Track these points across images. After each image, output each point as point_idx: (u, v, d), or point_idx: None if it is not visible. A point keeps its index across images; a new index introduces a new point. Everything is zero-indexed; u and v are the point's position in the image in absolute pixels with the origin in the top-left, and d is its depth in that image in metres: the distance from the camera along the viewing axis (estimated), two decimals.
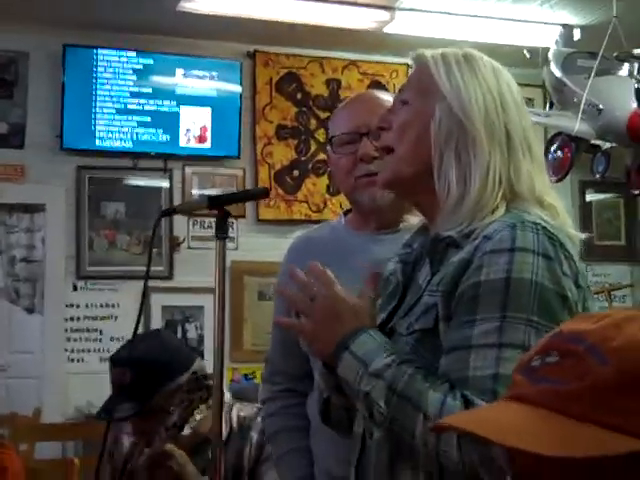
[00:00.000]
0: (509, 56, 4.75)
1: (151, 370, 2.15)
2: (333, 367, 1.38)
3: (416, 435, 1.19)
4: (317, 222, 5.54)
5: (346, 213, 2.07)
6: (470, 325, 1.22)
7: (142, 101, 5.19)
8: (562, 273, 1.25)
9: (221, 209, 1.70)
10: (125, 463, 2.24)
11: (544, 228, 1.26)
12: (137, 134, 5.18)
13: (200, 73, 5.30)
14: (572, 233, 1.35)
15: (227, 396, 2.21)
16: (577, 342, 0.76)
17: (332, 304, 1.37)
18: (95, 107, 5.11)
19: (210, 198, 1.71)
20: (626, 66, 3.76)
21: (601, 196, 6.34)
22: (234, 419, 2.22)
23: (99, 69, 5.11)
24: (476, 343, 1.20)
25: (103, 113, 5.11)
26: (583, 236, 1.40)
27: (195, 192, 5.28)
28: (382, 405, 1.23)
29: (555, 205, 1.37)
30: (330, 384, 1.44)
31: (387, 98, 1.93)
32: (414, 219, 1.58)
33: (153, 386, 2.14)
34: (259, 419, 2.19)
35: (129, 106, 5.16)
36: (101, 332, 5.10)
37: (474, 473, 1.17)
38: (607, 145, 3.99)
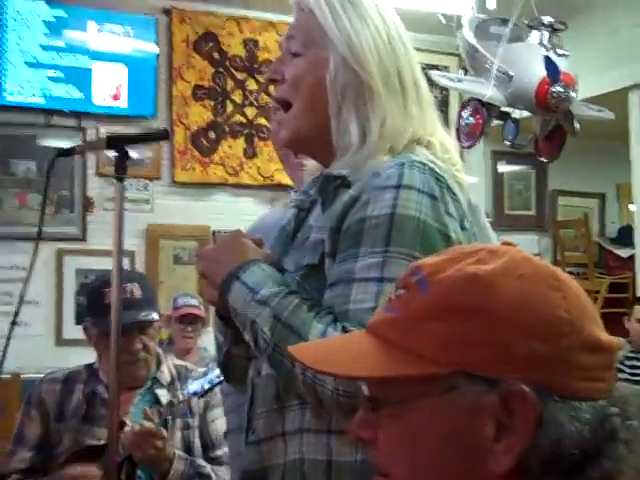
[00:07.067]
0: (425, 22, 4.82)
1: (151, 286, 2.42)
2: (227, 318, 1.38)
3: (296, 364, 1.19)
4: (233, 185, 5.56)
5: None
6: (353, 259, 1.23)
7: (54, 55, 5.05)
8: (446, 213, 1.26)
9: (121, 149, 1.68)
10: (61, 407, 2.29)
11: (431, 169, 1.27)
12: (49, 90, 5.04)
13: (114, 28, 5.19)
14: (460, 177, 1.36)
15: (159, 349, 2.39)
16: (415, 274, 0.81)
17: (228, 241, 1.39)
18: (4, 59, 4.94)
19: (109, 138, 1.70)
20: (536, 34, 3.82)
21: (513, 167, 6.49)
22: (171, 367, 2.36)
23: (8, 19, 4.95)
24: (358, 277, 1.21)
25: (13, 66, 4.96)
26: (472, 180, 1.42)
27: (109, 152, 5.18)
28: (267, 332, 1.23)
29: (445, 144, 1.37)
30: (228, 336, 1.44)
31: None
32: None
33: (156, 301, 2.37)
34: (197, 368, 2.40)
35: (40, 60, 5.02)
36: (11, 295, 4.97)
37: (352, 405, 1.15)
38: (517, 113, 4.07)
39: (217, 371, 2.07)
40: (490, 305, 0.76)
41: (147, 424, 2.12)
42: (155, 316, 2.28)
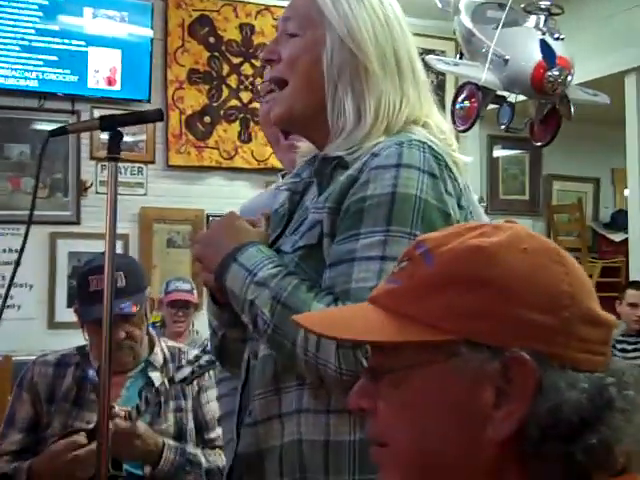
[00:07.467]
0: (421, 7, 4.79)
1: (139, 273, 2.39)
2: (221, 302, 1.38)
3: (297, 344, 1.20)
4: (228, 169, 5.55)
5: None
6: (354, 238, 1.23)
7: (49, 39, 5.02)
8: (446, 192, 1.26)
9: (114, 130, 1.67)
10: (52, 389, 2.28)
11: (430, 147, 1.28)
12: (43, 73, 5.01)
13: (110, 13, 5.16)
14: (456, 156, 1.36)
15: (152, 331, 2.41)
16: (419, 247, 0.82)
17: (222, 224, 1.38)
18: None
19: (102, 119, 1.68)
20: (533, 18, 3.81)
21: (508, 152, 6.48)
22: (165, 349, 2.37)
23: (1, 3, 4.91)
24: (360, 256, 1.21)
25: (7, 50, 4.92)
26: (468, 159, 1.42)
27: (103, 136, 5.16)
28: (266, 313, 1.23)
29: (441, 126, 1.37)
30: (223, 320, 1.43)
31: None
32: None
33: (142, 288, 2.33)
34: (187, 349, 2.43)
35: (34, 44, 4.99)
36: (3, 277, 4.97)
37: (354, 384, 1.18)
38: (513, 97, 4.05)
39: (207, 357, 2.06)
40: (494, 276, 0.77)
41: (122, 424, 2.06)
42: (134, 308, 2.24)
